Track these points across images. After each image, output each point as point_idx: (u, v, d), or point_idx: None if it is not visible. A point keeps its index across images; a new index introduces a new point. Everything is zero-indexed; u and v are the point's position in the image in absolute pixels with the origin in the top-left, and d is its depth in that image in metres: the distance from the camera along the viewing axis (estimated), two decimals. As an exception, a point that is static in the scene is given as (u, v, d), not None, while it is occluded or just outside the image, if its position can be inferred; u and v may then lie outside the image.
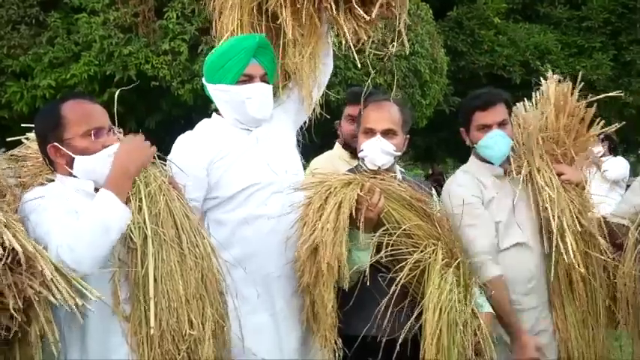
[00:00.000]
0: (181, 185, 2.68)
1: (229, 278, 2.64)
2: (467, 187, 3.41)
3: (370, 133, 3.18)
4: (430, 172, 16.68)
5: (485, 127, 3.37)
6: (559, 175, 3.40)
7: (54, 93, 7.92)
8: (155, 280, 2.32)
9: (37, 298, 2.02)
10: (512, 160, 3.43)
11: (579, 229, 3.27)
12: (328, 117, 3.60)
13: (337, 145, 4.25)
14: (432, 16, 10.32)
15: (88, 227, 2.31)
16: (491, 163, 3.43)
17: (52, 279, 2.06)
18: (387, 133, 3.18)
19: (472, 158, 3.53)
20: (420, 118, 10.02)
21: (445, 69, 10.49)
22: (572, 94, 3.57)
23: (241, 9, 3.22)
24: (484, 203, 3.39)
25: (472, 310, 2.94)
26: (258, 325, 2.95)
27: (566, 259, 3.23)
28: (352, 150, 3.98)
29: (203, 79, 3.21)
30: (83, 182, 2.50)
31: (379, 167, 3.15)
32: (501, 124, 3.37)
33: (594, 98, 3.60)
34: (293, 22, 3.07)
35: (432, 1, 10.80)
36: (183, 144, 3.07)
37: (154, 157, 2.66)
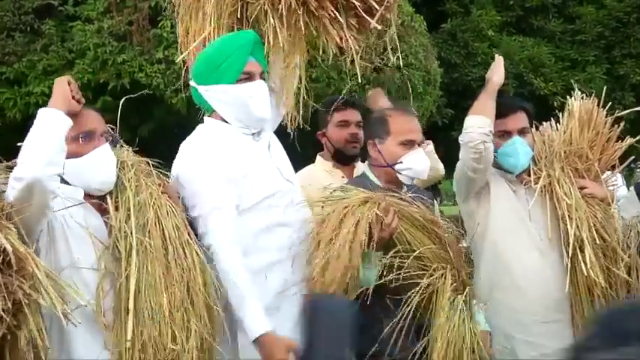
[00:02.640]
0: (178, 194, 2.66)
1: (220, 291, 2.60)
2: None
3: (410, 145, 3.14)
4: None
5: (506, 134, 3.36)
6: (582, 188, 3.36)
7: (47, 100, 7.86)
8: (138, 291, 2.30)
9: (26, 301, 2.00)
10: (532, 171, 3.40)
11: (599, 242, 3.22)
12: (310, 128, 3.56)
13: (319, 159, 4.16)
14: (426, 27, 10.33)
15: (30, 144, 2.40)
16: (511, 173, 3.41)
17: (41, 282, 2.04)
18: (421, 145, 3.16)
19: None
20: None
21: (438, 81, 10.49)
22: (597, 110, 3.54)
23: (217, 13, 3.10)
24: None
25: (474, 332, 2.91)
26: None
27: (584, 270, 3.17)
28: (344, 157, 3.94)
29: (192, 82, 3.04)
30: (73, 190, 2.49)
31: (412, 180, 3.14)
32: (521, 132, 3.36)
33: (621, 113, 3.57)
34: (280, 29, 2.95)
35: (426, 13, 10.82)
36: (197, 147, 2.93)
37: (149, 166, 2.63)
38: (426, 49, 10.05)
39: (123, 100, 2.95)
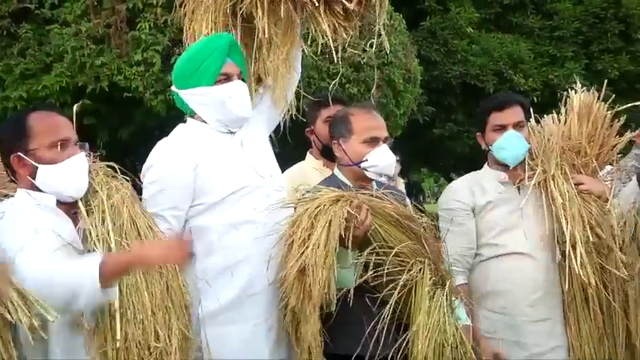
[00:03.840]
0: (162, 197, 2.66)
1: (197, 289, 2.61)
2: (455, 192, 3.41)
3: (374, 142, 3.13)
4: (406, 181, 16.71)
5: (501, 128, 3.35)
6: (578, 184, 3.34)
7: (25, 104, 7.81)
8: (120, 291, 2.29)
9: (-8, 316, 1.97)
10: (526, 167, 3.39)
11: (593, 240, 3.19)
12: (304, 121, 3.55)
13: (309, 156, 4.18)
14: (406, 26, 10.35)
15: (59, 281, 2.23)
16: (506, 166, 3.40)
17: (9, 297, 2.01)
18: (386, 141, 3.16)
19: (485, 164, 3.51)
20: (394, 127, 10.03)
21: (419, 79, 10.51)
22: (597, 103, 3.52)
23: (215, 12, 3.15)
24: (477, 208, 3.38)
25: (455, 326, 2.90)
26: (239, 334, 2.88)
27: (577, 269, 3.15)
28: (333, 154, 3.95)
29: (173, 87, 3.10)
30: (45, 197, 2.47)
31: (381, 176, 3.13)
32: (517, 126, 3.35)
33: (622, 107, 3.55)
34: (269, 22, 3.00)
35: (406, 12, 10.84)
36: (165, 151, 2.96)
37: (116, 171, 2.63)
38: (406, 47, 10.07)
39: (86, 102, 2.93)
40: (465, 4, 12.88)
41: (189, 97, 3.03)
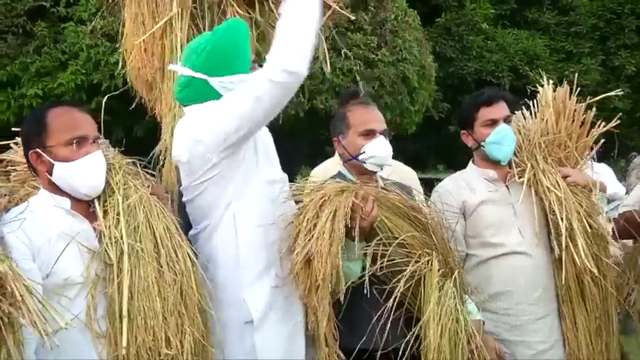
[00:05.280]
0: (167, 194, 2.62)
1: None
2: (442, 195, 3.39)
3: (371, 134, 3.14)
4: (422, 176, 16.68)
5: (493, 123, 3.33)
6: (565, 177, 3.35)
7: (41, 102, 7.88)
8: (131, 296, 2.26)
9: (6, 320, 1.96)
10: (514, 164, 3.39)
11: (589, 231, 3.22)
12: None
13: (337, 154, 4.17)
14: (420, 22, 10.31)
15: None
16: (495, 163, 3.39)
17: (22, 300, 1.98)
18: (383, 134, 3.15)
19: (470, 163, 3.49)
20: (408, 124, 10.00)
21: (433, 75, 10.48)
22: (570, 97, 3.55)
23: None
24: (467, 209, 3.36)
25: (466, 319, 2.89)
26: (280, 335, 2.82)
27: (577, 260, 3.15)
28: None
29: (199, 75, 2.83)
30: (60, 199, 2.46)
31: (381, 169, 3.12)
32: (506, 120, 3.35)
33: (592, 100, 3.57)
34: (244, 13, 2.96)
35: (420, 8, 10.80)
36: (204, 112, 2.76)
37: (138, 167, 2.60)
38: (421, 43, 10.03)
39: (105, 99, 2.86)
40: (480, 0, 12.83)
41: (225, 84, 2.79)
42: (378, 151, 3.12)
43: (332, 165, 4.04)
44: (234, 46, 2.83)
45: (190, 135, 2.73)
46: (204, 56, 2.84)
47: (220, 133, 2.64)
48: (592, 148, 3.57)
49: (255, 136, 2.75)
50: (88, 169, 2.46)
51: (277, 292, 2.76)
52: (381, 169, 3.18)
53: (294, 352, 2.80)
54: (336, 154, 4.09)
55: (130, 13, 3.19)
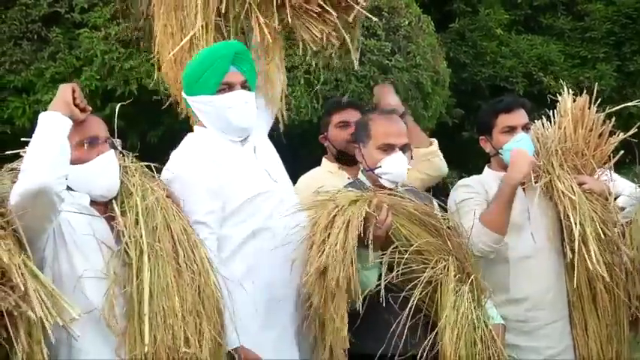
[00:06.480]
0: (181, 200, 2.64)
1: (229, 295, 2.58)
2: (467, 186, 3.39)
3: (389, 149, 3.12)
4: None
5: (511, 130, 3.35)
6: (580, 184, 3.36)
7: (56, 108, 7.89)
8: (151, 295, 2.28)
9: (15, 313, 1.96)
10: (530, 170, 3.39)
11: (603, 237, 3.22)
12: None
13: (324, 161, 4.15)
14: (434, 28, 10.28)
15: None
16: None
17: (32, 293, 1.99)
18: (403, 148, 3.14)
19: (486, 167, 3.50)
20: (422, 130, 9.97)
21: (447, 81, 10.43)
22: (589, 107, 3.56)
23: (203, 10, 3.14)
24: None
25: (485, 323, 2.89)
26: (262, 343, 2.86)
27: (589, 266, 3.17)
28: (347, 158, 3.91)
29: (183, 93, 3.15)
30: (79, 196, 2.47)
31: (396, 185, 3.11)
32: (525, 128, 3.35)
33: (611, 109, 3.57)
34: (268, 29, 3.02)
35: (434, 14, 10.78)
36: (183, 159, 3.00)
37: (152, 170, 2.62)
38: (434, 49, 10.00)
39: (118, 105, 2.98)
40: (495, 5, 12.78)
41: (194, 104, 3.12)
42: (394, 168, 3.14)
43: (319, 175, 4.01)
44: (199, 68, 3.05)
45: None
46: (183, 75, 3.21)
47: None
48: (610, 158, 3.58)
49: None
50: (101, 170, 2.48)
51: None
52: (397, 185, 3.17)
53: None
54: (324, 162, 4.10)
55: (160, 25, 3.28)
